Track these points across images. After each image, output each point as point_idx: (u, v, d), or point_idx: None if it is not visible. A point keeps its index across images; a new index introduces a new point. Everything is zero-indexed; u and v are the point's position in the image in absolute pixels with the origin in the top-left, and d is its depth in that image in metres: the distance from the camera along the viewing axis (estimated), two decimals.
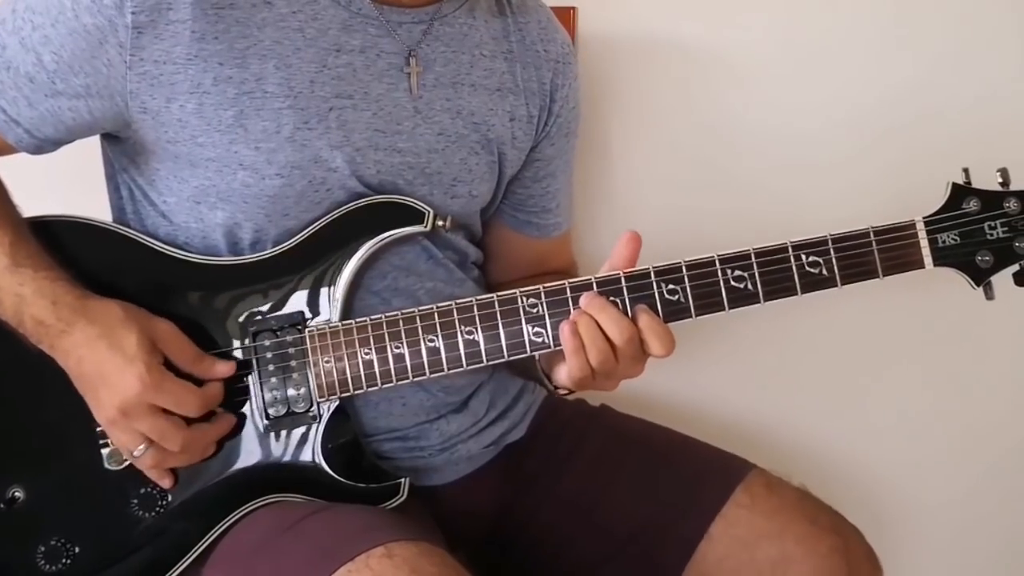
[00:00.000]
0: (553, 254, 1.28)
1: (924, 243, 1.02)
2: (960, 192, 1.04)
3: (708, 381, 1.56)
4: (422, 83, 1.06)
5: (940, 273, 1.04)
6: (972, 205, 1.03)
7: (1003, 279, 1.05)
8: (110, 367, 0.95)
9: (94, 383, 0.97)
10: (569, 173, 1.26)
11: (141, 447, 0.98)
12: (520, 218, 1.22)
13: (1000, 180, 1.04)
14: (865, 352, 1.59)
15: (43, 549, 1.01)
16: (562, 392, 1.09)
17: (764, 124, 1.50)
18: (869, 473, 1.61)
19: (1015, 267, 1.04)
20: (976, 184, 1.04)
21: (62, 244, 1.03)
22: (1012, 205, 1.03)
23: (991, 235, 1.03)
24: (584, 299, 1.00)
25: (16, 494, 1.01)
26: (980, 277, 1.03)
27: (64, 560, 1.01)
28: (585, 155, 1.42)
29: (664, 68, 1.47)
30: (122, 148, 1.06)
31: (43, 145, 1.03)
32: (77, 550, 1.01)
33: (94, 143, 1.09)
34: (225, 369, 1.01)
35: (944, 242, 1.03)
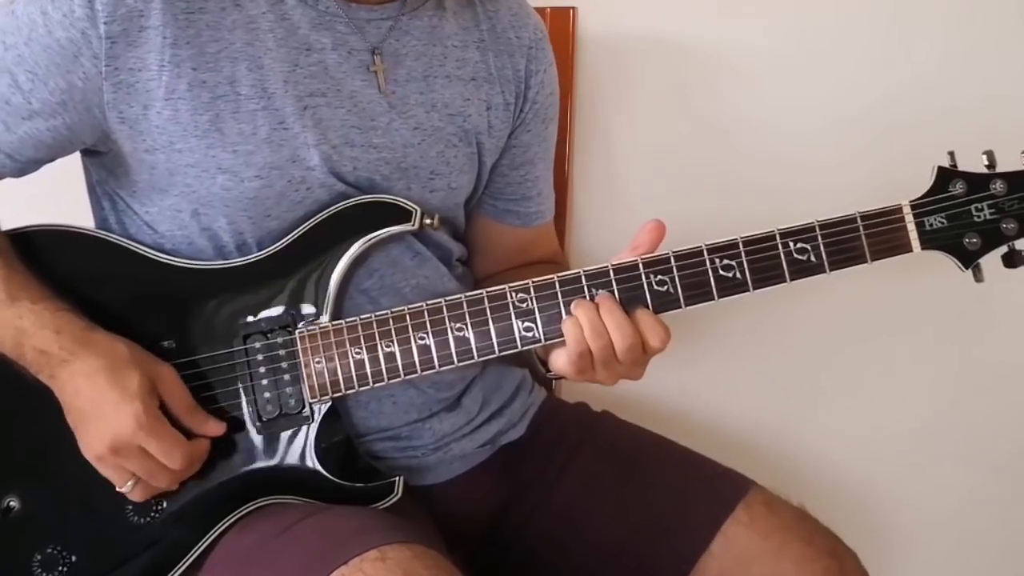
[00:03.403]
0: (537, 243, 1.27)
1: (911, 227, 1.02)
2: (946, 175, 1.03)
3: (710, 393, 1.56)
4: (393, 78, 1.06)
5: (935, 267, 1.03)
6: (958, 188, 1.03)
7: (995, 269, 1.05)
8: (107, 403, 0.95)
9: (87, 417, 0.96)
10: (549, 162, 1.25)
11: (129, 484, 0.98)
12: (500, 207, 1.22)
13: (986, 162, 1.04)
14: (869, 370, 1.59)
15: (39, 558, 1.01)
16: (552, 376, 1.08)
17: (764, 124, 1.51)
18: (868, 492, 1.61)
19: (1003, 249, 1.04)
20: (962, 168, 1.04)
21: (48, 255, 1.03)
22: (998, 186, 1.03)
23: (978, 217, 1.03)
24: (598, 296, 1.00)
25: (11, 503, 1.02)
26: (968, 260, 1.03)
27: (60, 568, 1.01)
28: (585, 154, 1.43)
29: (664, 68, 1.48)
30: (101, 161, 1.06)
31: (26, 167, 1.04)
32: (73, 558, 1.01)
33: (75, 155, 1.09)
34: (216, 428, 1.01)
35: (931, 225, 1.02)
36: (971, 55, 1.49)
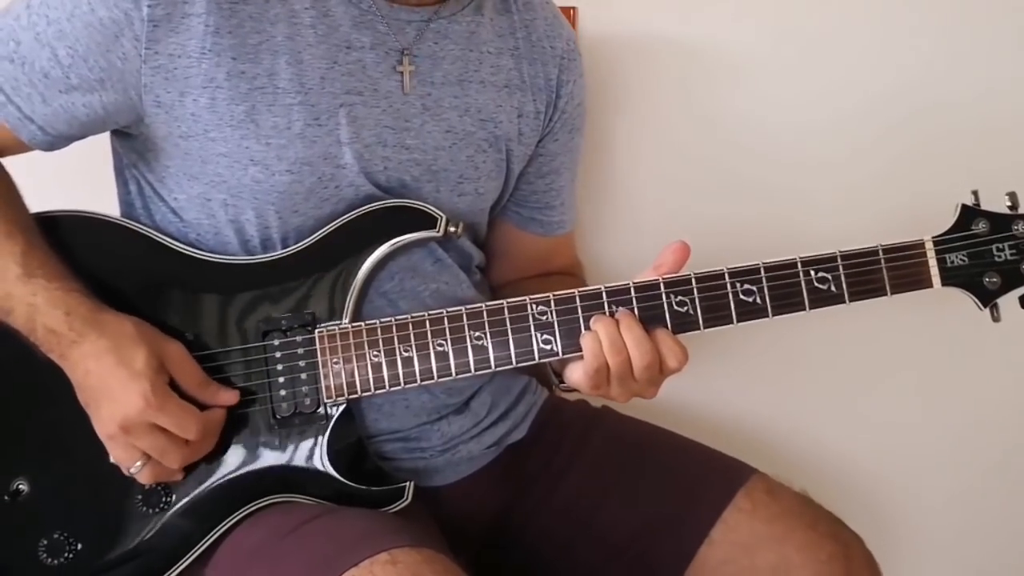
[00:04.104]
0: (557, 253, 1.29)
1: (933, 262, 1.03)
2: (969, 213, 1.04)
3: (711, 384, 1.56)
4: (430, 80, 1.07)
5: (945, 291, 1.04)
6: (981, 227, 1.04)
7: (1010, 301, 1.06)
8: (115, 382, 0.96)
9: (98, 396, 0.97)
10: (574, 172, 1.27)
11: (138, 463, 0.98)
12: (524, 215, 1.23)
13: (1008, 203, 1.05)
14: (867, 356, 1.59)
15: (45, 542, 1.01)
16: (563, 388, 1.08)
17: (765, 123, 1.51)
18: (871, 477, 1.61)
19: (1022, 290, 1.05)
20: (985, 203, 1.05)
21: (73, 240, 1.03)
22: (1021, 228, 1.04)
23: (999, 257, 1.04)
24: (618, 312, 1.01)
25: (20, 487, 1.02)
26: (987, 298, 1.04)
27: (66, 554, 1.01)
28: (586, 155, 1.42)
29: (664, 68, 1.48)
30: (132, 144, 1.07)
31: (56, 142, 1.04)
32: (79, 545, 1.01)
33: (103, 137, 1.09)
34: (229, 397, 1.01)
35: (953, 262, 1.03)
36: (970, 51, 1.50)
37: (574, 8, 1.44)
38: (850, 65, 1.49)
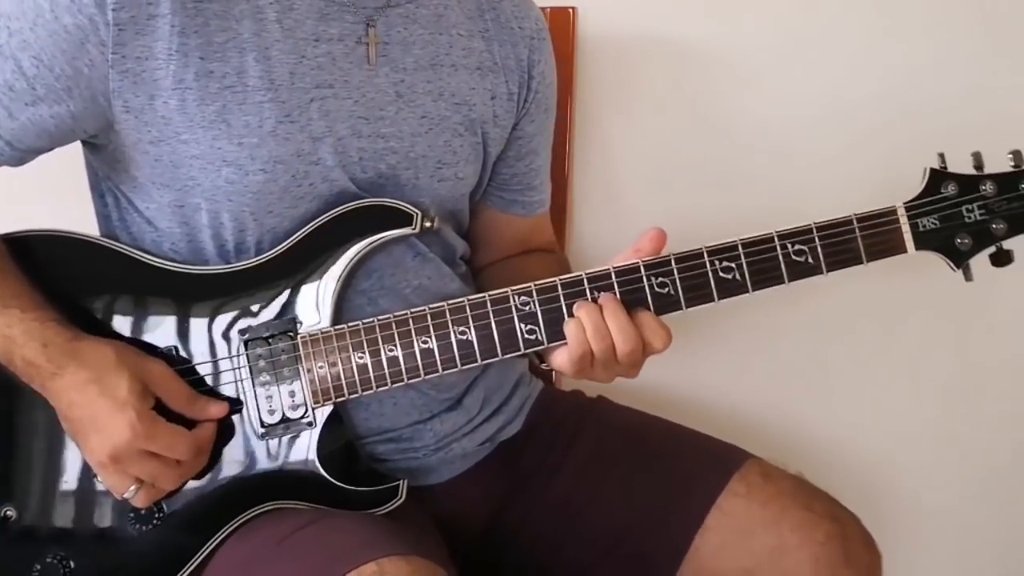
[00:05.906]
0: (537, 232, 1.29)
1: (905, 228, 1.04)
2: (938, 177, 1.05)
3: (705, 371, 1.58)
4: (403, 66, 1.06)
5: (929, 260, 1.05)
6: (950, 189, 1.05)
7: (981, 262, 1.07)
8: (101, 413, 0.94)
9: (84, 428, 0.95)
10: (549, 149, 1.27)
11: (132, 488, 0.97)
12: (507, 198, 1.23)
13: (974, 164, 1.06)
14: (863, 340, 1.61)
15: (39, 567, 0.99)
16: (545, 367, 1.08)
17: (762, 122, 1.52)
18: (866, 461, 1.62)
19: (992, 248, 1.06)
20: (952, 169, 1.06)
21: (46, 260, 1.01)
22: (988, 188, 1.05)
23: (969, 218, 1.05)
24: (602, 297, 1.01)
25: (8, 513, 1.00)
26: (959, 260, 1.05)
27: None
28: (585, 154, 1.43)
29: (664, 68, 1.49)
30: (103, 155, 1.05)
31: (25, 156, 1.02)
32: (73, 565, 1.00)
33: (78, 152, 1.07)
34: (217, 410, 1.00)
35: (924, 227, 1.05)
36: (961, 49, 1.52)
37: (574, 8, 1.44)
38: (841, 64, 1.51)
